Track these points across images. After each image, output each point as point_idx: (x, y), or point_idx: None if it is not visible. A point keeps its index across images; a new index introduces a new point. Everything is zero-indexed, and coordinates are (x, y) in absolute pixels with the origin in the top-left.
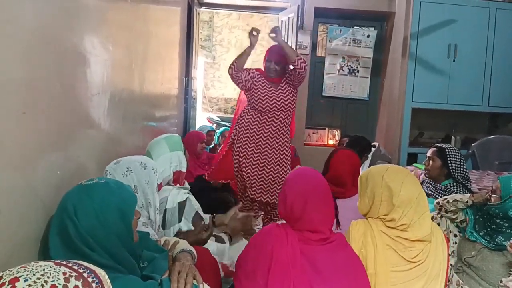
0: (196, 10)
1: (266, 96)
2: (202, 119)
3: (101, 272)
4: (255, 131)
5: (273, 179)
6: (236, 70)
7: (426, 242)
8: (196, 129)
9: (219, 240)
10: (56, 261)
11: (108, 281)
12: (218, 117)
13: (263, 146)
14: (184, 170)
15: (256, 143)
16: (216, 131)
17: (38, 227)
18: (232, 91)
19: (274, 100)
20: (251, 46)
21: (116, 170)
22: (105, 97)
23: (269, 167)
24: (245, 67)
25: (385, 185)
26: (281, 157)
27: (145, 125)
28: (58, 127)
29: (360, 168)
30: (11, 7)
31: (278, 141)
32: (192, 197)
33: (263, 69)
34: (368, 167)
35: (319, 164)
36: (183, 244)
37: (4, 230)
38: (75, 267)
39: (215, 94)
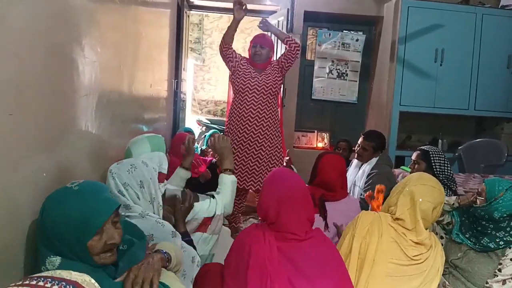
0: (186, 12)
1: (249, 80)
2: (191, 122)
3: (85, 279)
4: (241, 118)
5: (258, 167)
6: (225, 46)
7: (427, 246)
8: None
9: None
10: (25, 279)
11: (96, 284)
12: (208, 119)
13: (248, 133)
14: (164, 171)
15: (241, 130)
16: (205, 134)
17: (23, 230)
18: (221, 93)
19: (256, 84)
20: (235, 20)
21: (121, 169)
22: (94, 99)
23: (254, 155)
24: None
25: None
26: (269, 143)
27: (134, 127)
28: (46, 128)
29: (366, 164)
30: (1, 8)
31: (264, 127)
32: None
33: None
34: (373, 167)
35: (308, 167)
36: (164, 245)
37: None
38: (42, 284)
39: (204, 97)
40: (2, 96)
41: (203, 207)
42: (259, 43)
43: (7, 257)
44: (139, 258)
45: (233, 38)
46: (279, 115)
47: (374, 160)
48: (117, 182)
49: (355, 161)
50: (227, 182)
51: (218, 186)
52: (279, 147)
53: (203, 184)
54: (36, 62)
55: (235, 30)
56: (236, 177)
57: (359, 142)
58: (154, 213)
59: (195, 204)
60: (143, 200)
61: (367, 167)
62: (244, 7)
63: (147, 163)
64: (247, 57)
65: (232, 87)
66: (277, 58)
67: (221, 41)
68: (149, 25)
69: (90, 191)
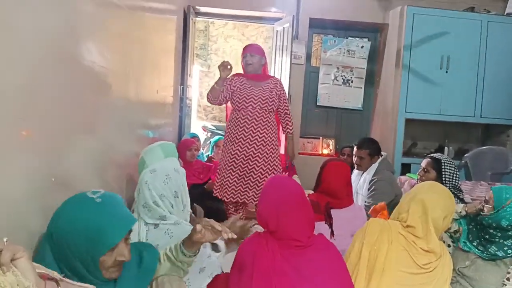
0: (192, 19)
1: (245, 95)
2: (196, 127)
3: None
4: (237, 131)
5: (253, 178)
6: (214, 100)
7: (437, 255)
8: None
9: (214, 248)
10: None
11: None
12: (213, 125)
13: (242, 146)
14: None
15: (236, 143)
16: (211, 140)
17: (31, 235)
18: None
19: (252, 98)
20: (221, 79)
21: (156, 179)
22: (101, 105)
23: (250, 167)
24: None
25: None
26: (265, 155)
27: (140, 132)
28: (54, 133)
29: (366, 173)
30: (11, 16)
31: (259, 140)
32: None
33: (242, 72)
34: (374, 174)
35: (313, 173)
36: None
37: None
38: None
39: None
40: (13, 102)
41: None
42: (249, 52)
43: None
44: (153, 264)
45: (220, 93)
46: (277, 126)
47: (374, 167)
48: (153, 194)
49: (355, 171)
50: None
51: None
52: (277, 158)
53: (207, 193)
54: (46, 68)
55: (222, 87)
56: (231, 190)
57: (354, 153)
58: (186, 220)
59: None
60: (176, 209)
61: (367, 175)
62: (229, 67)
63: (178, 169)
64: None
65: (232, 104)
66: (280, 95)
67: (209, 95)
68: (156, 31)
69: (111, 206)
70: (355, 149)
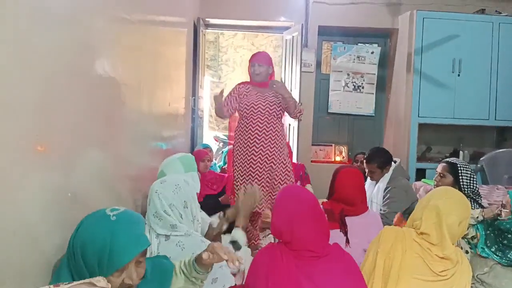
0: (202, 31)
1: (252, 101)
2: (209, 138)
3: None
4: (245, 138)
5: (267, 187)
6: (220, 112)
7: (454, 262)
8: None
9: (234, 245)
10: None
11: None
12: (225, 135)
13: (255, 154)
14: (197, 191)
15: (245, 151)
16: (223, 150)
17: (49, 250)
18: None
19: (260, 104)
20: (219, 106)
21: (166, 188)
22: (115, 118)
23: (263, 175)
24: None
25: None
26: (277, 162)
27: (153, 145)
28: (70, 148)
29: (380, 181)
30: (28, 34)
31: (271, 147)
32: None
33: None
34: (389, 182)
35: (327, 181)
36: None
37: (16, 253)
38: None
39: None
40: (30, 118)
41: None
42: (256, 62)
43: (34, 278)
44: (169, 277)
45: (223, 108)
46: (284, 132)
47: (387, 176)
48: (163, 203)
49: (369, 180)
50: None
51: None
52: (288, 164)
53: (221, 206)
54: (61, 84)
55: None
56: None
57: (364, 166)
58: (196, 231)
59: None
60: (185, 220)
61: (381, 184)
62: (219, 93)
63: (188, 181)
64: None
65: (239, 113)
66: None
67: (216, 112)
68: (167, 44)
69: (124, 226)
70: (364, 163)
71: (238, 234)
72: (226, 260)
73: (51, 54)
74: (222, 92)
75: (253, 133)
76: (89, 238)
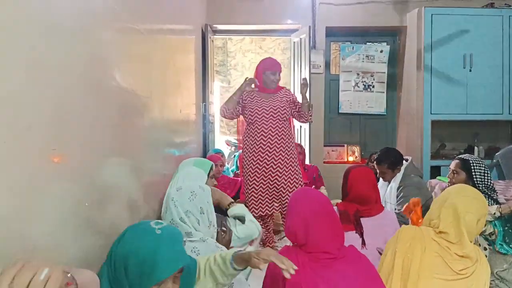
0: (210, 37)
1: (256, 107)
2: (220, 143)
3: None
4: (254, 145)
5: (277, 190)
6: (228, 112)
7: (473, 260)
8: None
9: (241, 219)
10: None
11: None
12: (236, 139)
13: (263, 159)
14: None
15: (255, 157)
16: (235, 154)
17: (69, 259)
18: None
19: (263, 109)
20: (240, 90)
21: (182, 196)
22: (128, 127)
23: (272, 178)
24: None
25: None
26: (286, 164)
27: (166, 152)
28: (85, 159)
29: (392, 181)
30: (41, 49)
31: (278, 150)
32: None
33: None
34: (401, 180)
35: (341, 181)
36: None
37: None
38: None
39: None
40: (44, 132)
41: (246, 231)
42: (274, 70)
43: None
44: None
45: (236, 105)
46: (293, 135)
47: (399, 175)
48: (179, 210)
49: (381, 180)
50: (241, 211)
51: (237, 218)
52: (296, 166)
53: None
54: (75, 97)
55: (239, 98)
56: (258, 204)
57: (376, 168)
58: (212, 237)
59: (239, 229)
60: (202, 225)
61: (393, 184)
62: (253, 86)
63: (203, 187)
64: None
65: (244, 118)
66: (294, 100)
67: (224, 107)
68: (176, 52)
69: (168, 240)
70: (375, 164)
71: (236, 209)
72: (282, 269)
73: (63, 67)
74: (255, 87)
75: (258, 138)
76: (133, 249)
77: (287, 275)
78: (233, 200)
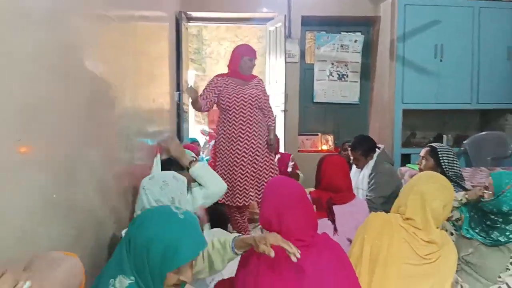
0: (184, 25)
1: (234, 94)
2: (195, 132)
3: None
4: (231, 132)
5: (253, 180)
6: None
7: (439, 245)
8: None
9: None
10: None
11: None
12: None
13: (240, 147)
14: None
15: (229, 144)
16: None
17: (40, 250)
18: None
19: (242, 96)
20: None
21: (153, 185)
22: (99, 117)
23: (250, 167)
24: None
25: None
26: (261, 154)
27: (139, 141)
28: (52, 149)
29: (364, 168)
30: (9, 38)
31: (255, 140)
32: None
33: (228, 70)
34: (373, 168)
35: (314, 170)
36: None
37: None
38: None
39: None
40: (11, 122)
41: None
42: (251, 56)
43: None
44: None
45: (205, 102)
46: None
47: (372, 162)
48: (150, 199)
49: (354, 167)
50: (202, 172)
51: (197, 181)
52: (271, 155)
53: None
54: (42, 86)
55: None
56: (241, 193)
57: (349, 154)
58: None
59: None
60: None
61: (366, 170)
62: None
63: (177, 177)
64: (225, 71)
65: (219, 105)
66: (264, 93)
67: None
68: (149, 40)
69: (191, 225)
70: (349, 151)
71: (197, 170)
72: (289, 253)
73: (31, 56)
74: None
75: (236, 126)
76: (159, 234)
77: (294, 259)
78: (193, 159)
